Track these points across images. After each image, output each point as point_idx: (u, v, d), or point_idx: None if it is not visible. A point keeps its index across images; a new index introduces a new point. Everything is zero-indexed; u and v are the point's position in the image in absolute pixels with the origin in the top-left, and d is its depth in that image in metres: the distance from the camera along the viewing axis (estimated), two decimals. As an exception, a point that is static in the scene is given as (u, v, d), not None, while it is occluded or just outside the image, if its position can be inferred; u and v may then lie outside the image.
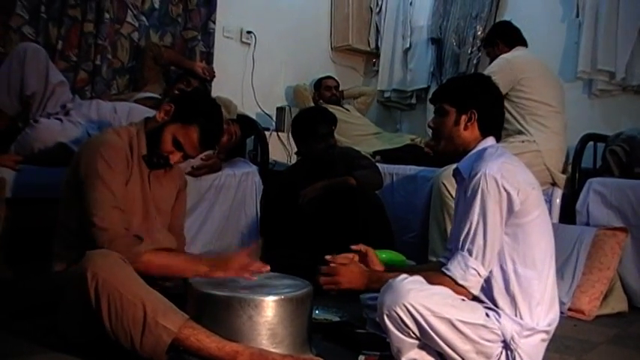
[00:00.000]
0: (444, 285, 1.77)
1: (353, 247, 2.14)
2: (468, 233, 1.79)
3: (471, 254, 1.78)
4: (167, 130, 2.15)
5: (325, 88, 4.68)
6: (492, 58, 3.64)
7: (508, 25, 3.71)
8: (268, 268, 2.02)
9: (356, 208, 3.01)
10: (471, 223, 1.79)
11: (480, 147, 1.96)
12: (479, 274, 1.78)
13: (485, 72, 3.35)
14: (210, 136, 2.19)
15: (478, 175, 1.80)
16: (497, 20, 4.41)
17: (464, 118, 1.97)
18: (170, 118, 2.16)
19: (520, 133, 3.36)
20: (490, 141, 1.98)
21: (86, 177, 2.00)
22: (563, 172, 3.45)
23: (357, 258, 2.12)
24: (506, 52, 3.52)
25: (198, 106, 2.19)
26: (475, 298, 1.82)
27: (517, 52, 3.50)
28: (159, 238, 2.18)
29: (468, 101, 1.97)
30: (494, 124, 2.03)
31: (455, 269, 1.79)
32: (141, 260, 1.91)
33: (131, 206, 2.11)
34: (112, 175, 2.01)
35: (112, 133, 2.15)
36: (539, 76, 3.41)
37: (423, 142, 4.23)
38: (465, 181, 1.88)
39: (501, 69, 3.35)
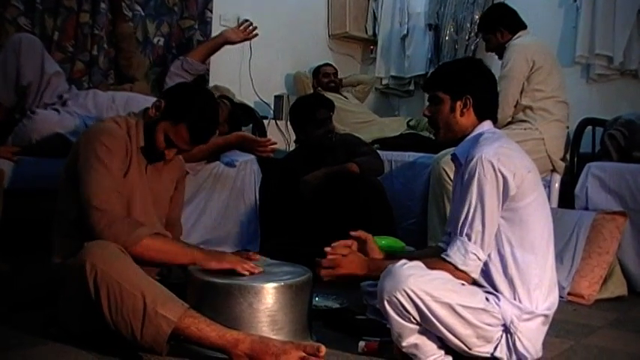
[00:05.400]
0: (445, 271, 1.78)
1: (352, 233, 2.13)
2: (466, 218, 1.79)
3: (469, 239, 1.78)
4: (159, 128, 2.11)
5: (323, 75, 4.67)
6: (494, 45, 3.54)
7: (506, 8, 3.63)
8: (262, 270, 1.99)
9: (357, 194, 3.02)
10: (469, 208, 1.79)
11: (476, 132, 1.95)
12: (478, 258, 1.79)
13: (504, 63, 3.33)
14: (200, 132, 2.15)
15: (474, 160, 1.80)
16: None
17: (459, 104, 1.96)
18: (161, 114, 2.13)
19: (524, 121, 3.35)
20: (487, 125, 1.98)
21: (86, 162, 1.97)
22: (563, 159, 3.45)
23: (355, 245, 2.10)
24: (509, 38, 3.44)
25: (187, 103, 2.13)
26: (475, 283, 1.83)
27: (527, 39, 3.42)
28: (158, 227, 2.17)
29: (462, 87, 1.96)
30: (490, 108, 2.02)
31: (455, 255, 1.79)
32: (140, 244, 1.89)
33: (129, 197, 2.09)
34: (112, 161, 1.99)
35: (110, 122, 2.13)
36: (550, 66, 3.37)
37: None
38: (462, 167, 1.87)
39: (520, 57, 3.30)
